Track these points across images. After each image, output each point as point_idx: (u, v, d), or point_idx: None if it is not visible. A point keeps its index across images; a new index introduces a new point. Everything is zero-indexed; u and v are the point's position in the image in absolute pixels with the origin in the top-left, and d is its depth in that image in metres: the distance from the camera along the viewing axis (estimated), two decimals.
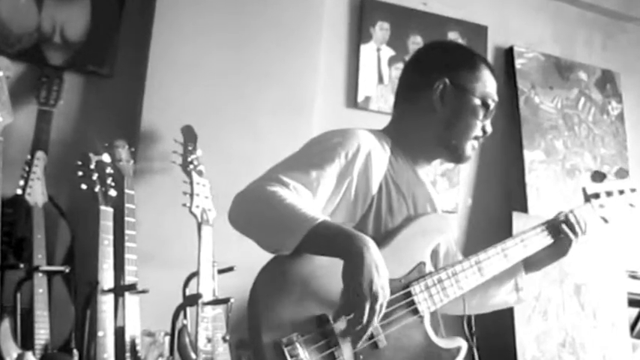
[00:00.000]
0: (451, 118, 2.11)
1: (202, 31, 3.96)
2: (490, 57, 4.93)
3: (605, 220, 2.38)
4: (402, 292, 1.93)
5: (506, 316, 4.37)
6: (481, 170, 4.81)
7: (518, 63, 4.94)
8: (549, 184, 4.82)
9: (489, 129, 2.17)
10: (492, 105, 2.14)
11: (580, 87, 5.15)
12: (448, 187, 4.63)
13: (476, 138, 2.15)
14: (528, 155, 4.81)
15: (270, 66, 4.05)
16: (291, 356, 1.67)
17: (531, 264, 2.31)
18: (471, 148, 2.16)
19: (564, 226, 2.25)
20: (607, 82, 5.26)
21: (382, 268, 1.71)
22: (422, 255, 2.03)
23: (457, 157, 2.17)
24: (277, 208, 1.76)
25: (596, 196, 2.37)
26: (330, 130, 2.04)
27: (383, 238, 1.92)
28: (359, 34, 4.56)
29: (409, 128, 2.15)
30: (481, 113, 2.12)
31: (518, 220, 4.54)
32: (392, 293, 1.79)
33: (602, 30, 5.39)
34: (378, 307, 1.69)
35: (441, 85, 2.10)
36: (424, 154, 2.18)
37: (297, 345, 1.68)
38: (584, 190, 2.39)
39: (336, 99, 4.44)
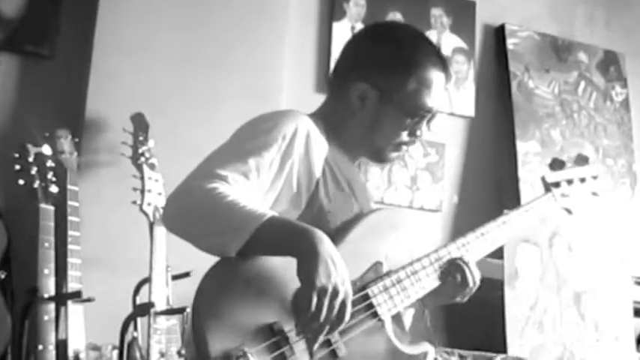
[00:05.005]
0: (373, 123, 2.16)
1: (154, 7, 3.99)
2: (479, 36, 4.99)
3: (569, 212, 2.50)
4: (359, 294, 1.96)
5: (496, 328, 4.32)
6: (468, 163, 4.84)
7: (511, 43, 4.98)
8: None
9: (421, 133, 2.21)
10: (427, 115, 2.17)
11: (580, 70, 5.21)
12: (431, 182, 4.66)
13: (403, 143, 2.21)
14: (522, 146, 4.85)
15: (231, 47, 4.09)
16: None
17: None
18: (396, 152, 2.23)
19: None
20: (610, 64, 5.32)
21: (339, 262, 1.76)
22: (376, 254, 2.07)
23: (378, 159, 2.26)
24: (219, 207, 1.79)
25: (557, 185, 2.48)
26: (263, 113, 2.08)
27: (332, 238, 1.88)
28: (331, 10, 4.60)
29: (333, 121, 2.18)
30: (408, 124, 2.16)
31: None
32: None
33: (604, 6, 5.43)
34: (337, 303, 1.73)
35: (357, 92, 2.14)
36: (349, 149, 2.23)
37: (250, 357, 1.69)
38: (543, 179, 2.49)
39: (305, 83, 4.49)
